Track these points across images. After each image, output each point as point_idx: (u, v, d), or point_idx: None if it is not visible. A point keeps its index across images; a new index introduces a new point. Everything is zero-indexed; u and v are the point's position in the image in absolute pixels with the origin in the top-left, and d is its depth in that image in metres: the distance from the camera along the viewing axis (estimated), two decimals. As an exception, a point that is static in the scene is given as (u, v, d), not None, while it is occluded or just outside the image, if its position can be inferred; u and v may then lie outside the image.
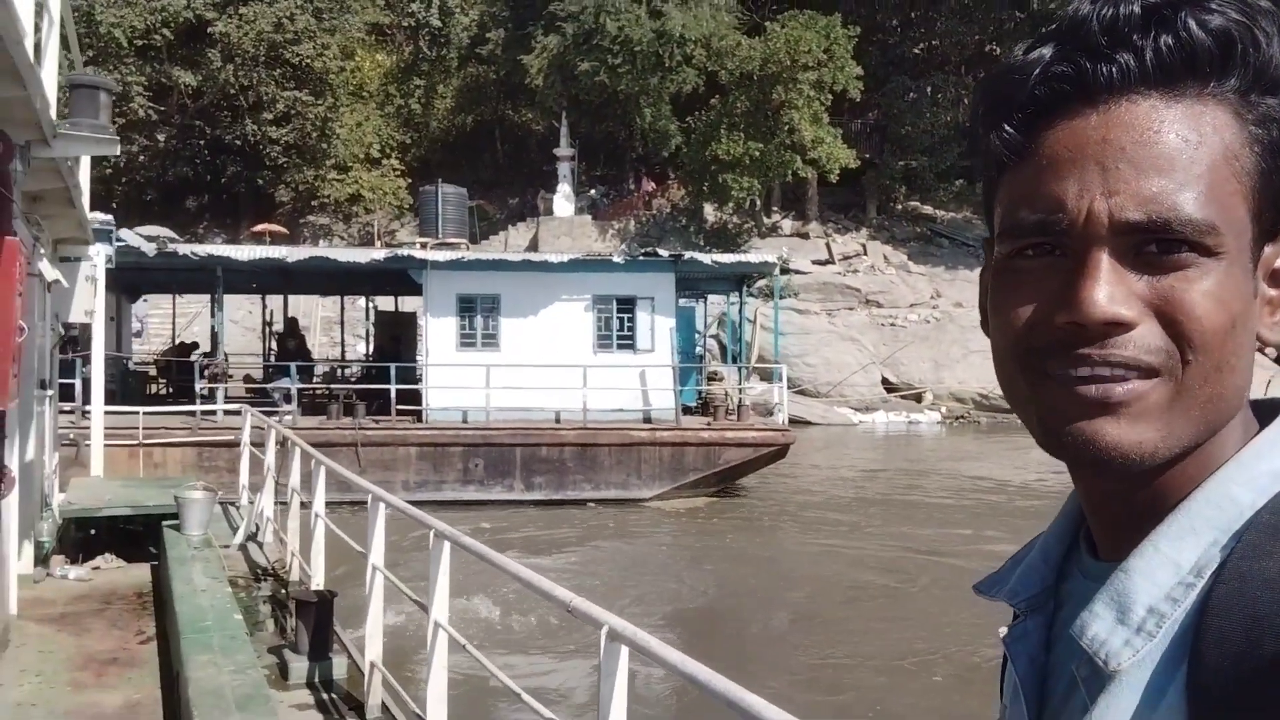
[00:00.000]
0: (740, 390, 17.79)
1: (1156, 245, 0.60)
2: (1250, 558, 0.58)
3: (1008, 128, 0.64)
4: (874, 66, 33.73)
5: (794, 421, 18.72)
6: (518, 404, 15.63)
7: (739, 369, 19.47)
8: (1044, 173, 0.62)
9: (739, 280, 19.69)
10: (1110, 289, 0.60)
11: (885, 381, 26.82)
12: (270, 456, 8.54)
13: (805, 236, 34.00)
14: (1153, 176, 0.59)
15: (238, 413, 11.22)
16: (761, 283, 22.12)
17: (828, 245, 33.22)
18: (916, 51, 38.05)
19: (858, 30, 32.25)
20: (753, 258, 19.74)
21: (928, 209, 35.17)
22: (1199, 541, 0.61)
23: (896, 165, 34.77)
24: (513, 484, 15.37)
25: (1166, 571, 0.61)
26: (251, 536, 8.25)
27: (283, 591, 6.64)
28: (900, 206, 35.72)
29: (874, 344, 27.61)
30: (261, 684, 4.70)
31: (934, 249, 33.06)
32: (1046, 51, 0.63)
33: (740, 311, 20.39)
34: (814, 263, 31.72)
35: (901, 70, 36.30)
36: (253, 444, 9.62)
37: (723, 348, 24.64)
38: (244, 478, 9.77)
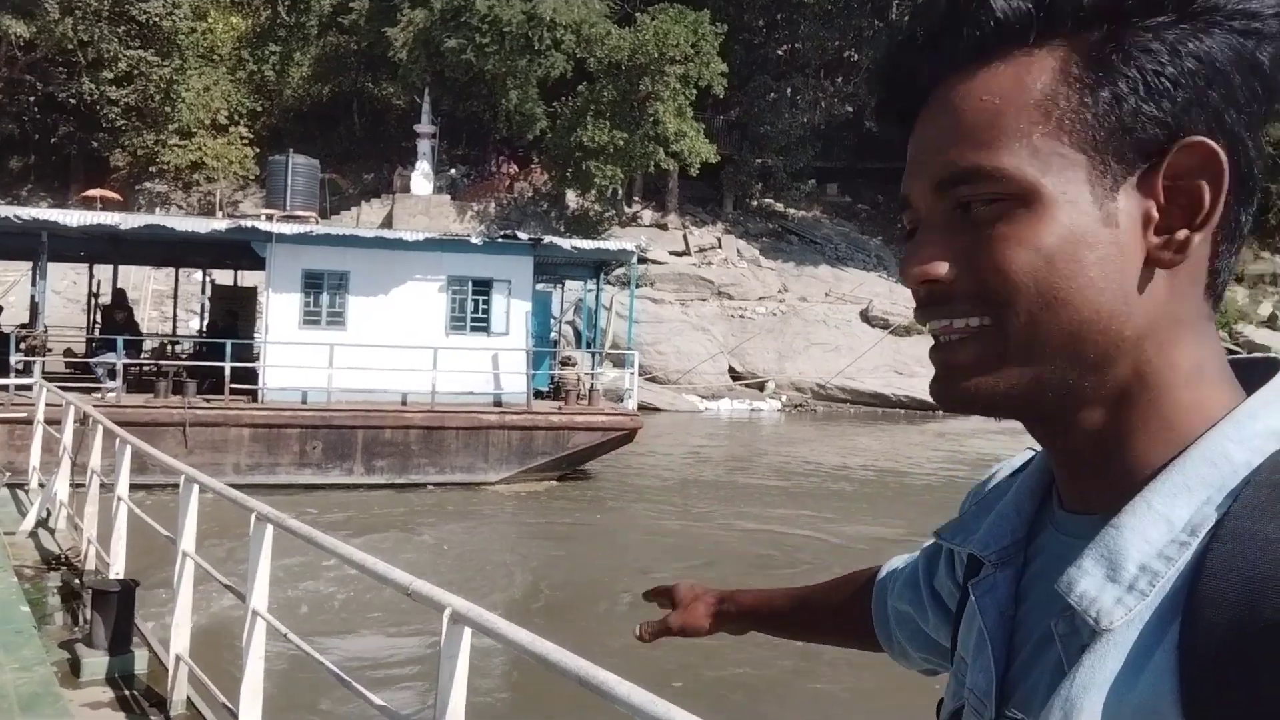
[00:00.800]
0: (593, 376, 17.84)
1: (972, 205, 0.63)
2: (1248, 518, 0.56)
3: (892, 128, 0.71)
4: (738, 65, 34.35)
5: (643, 407, 18.97)
6: (362, 385, 15.21)
7: (593, 355, 19.55)
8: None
9: (597, 267, 19.72)
10: (924, 251, 0.65)
11: (732, 370, 27.50)
12: (68, 435, 7.87)
13: (664, 228, 34.39)
14: (951, 144, 0.63)
15: (65, 388, 10.43)
16: (619, 271, 22.24)
17: (685, 237, 33.70)
18: (780, 53, 38.95)
19: (724, 28, 32.75)
20: (612, 245, 19.83)
21: (780, 207, 36.14)
22: (1193, 499, 0.59)
23: (754, 163, 35.54)
24: (352, 467, 14.96)
25: (1159, 529, 0.60)
26: (43, 522, 7.65)
27: (77, 581, 6.23)
28: (755, 203, 36.57)
29: (723, 334, 28.24)
30: (51, 682, 4.40)
31: (785, 245, 34.03)
32: (890, 58, 0.69)
33: (597, 298, 20.46)
34: (671, 253, 32.12)
35: (764, 70, 37.09)
36: (51, 422, 8.96)
37: (577, 333, 24.65)
38: (35, 458, 9.12)
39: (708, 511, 14.33)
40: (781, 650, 7.81)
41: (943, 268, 0.64)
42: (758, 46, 38.24)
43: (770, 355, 27.48)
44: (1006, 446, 21.76)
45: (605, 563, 11.40)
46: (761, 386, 26.79)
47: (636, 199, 36.28)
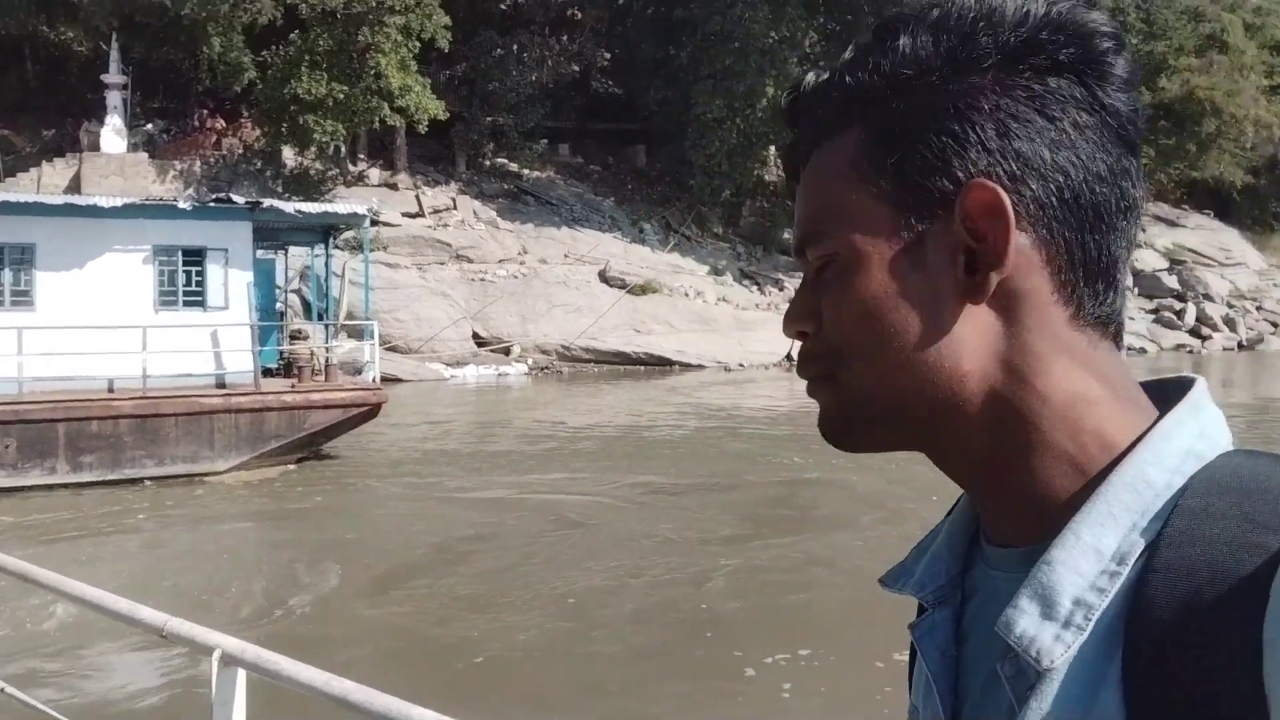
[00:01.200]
0: (328, 349, 16.90)
1: (819, 268, 0.69)
2: (1178, 546, 0.58)
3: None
4: (462, 18, 33.40)
5: (385, 379, 18.25)
6: (60, 372, 13.51)
7: (326, 327, 18.49)
8: None
9: (325, 232, 18.62)
10: (791, 308, 0.71)
11: (476, 336, 27.11)
12: None
13: (394, 188, 33.06)
14: (800, 216, 0.71)
15: None
16: (349, 234, 21.13)
17: (417, 198, 32.59)
18: (504, 7, 38.27)
19: (446, -22, 31.67)
20: (340, 208, 18.72)
21: (515, 167, 35.81)
22: (1118, 527, 0.60)
23: (485, 121, 34.86)
24: (55, 465, 13.30)
25: (1089, 560, 0.60)
26: None
27: None
28: (489, 163, 35.97)
29: (464, 299, 27.71)
30: None
31: (521, 206, 33.81)
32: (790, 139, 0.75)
33: (327, 265, 19.35)
34: (404, 215, 30.95)
35: (489, 25, 36.33)
36: None
37: (306, 304, 23.24)
38: None
39: (461, 483, 14.04)
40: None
41: (803, 321, 0.70)
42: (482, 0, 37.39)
43: (514, 319, 27.36)
44: (729, 397, 22.77)
45: (356, 552, 10.84)
46: (507, 351, 26.64)
47: (362, 157, 34.57)
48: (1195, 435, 0.63)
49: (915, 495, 11.22)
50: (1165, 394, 0.68)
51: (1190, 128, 32.45)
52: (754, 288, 28.67)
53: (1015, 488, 0.65)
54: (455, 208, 32.65)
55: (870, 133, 0.67)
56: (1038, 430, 0.64)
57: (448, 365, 25.28)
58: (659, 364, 25.30)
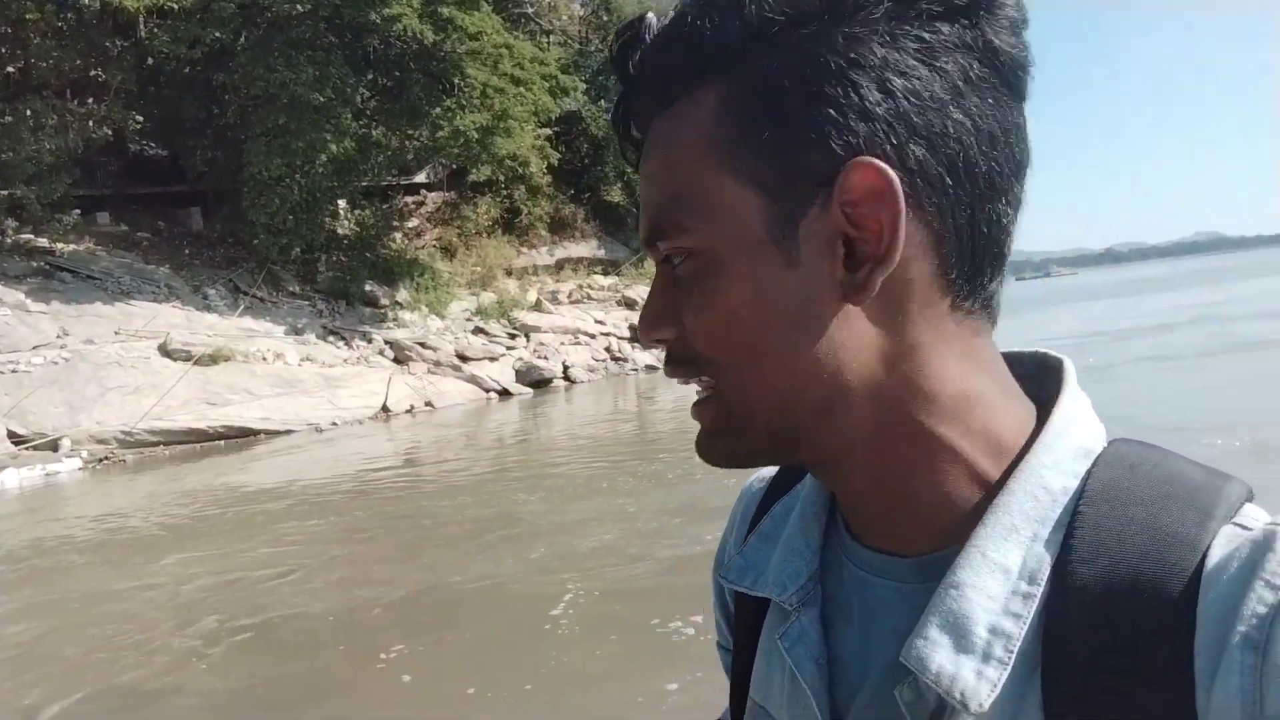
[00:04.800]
0: None
1: (672, 260, 0.60)
2: (1088, 563, 0.54)
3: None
4: (-46, 82, 29.01)
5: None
6: None
7: None
8: None
9: None
10: (646, 310, 0.62)
11: (13, 435, 23.52)
12: None
13: (-115, 280, 27.75)
14: (646, 200, 0.60)
15: None
16: None
17: (-81, 289, 27.63)
18: (11, 71, 33.86)
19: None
20: None
21: (43, 242, 31.75)
22: (1020, 539, 0.56)
23: (1, 194, 30.49)
24: None
25: (997, 581, 0.55)
26: None
27: None
28: (10, 240, 31.50)
29: (-7, 396, 23.99)
30: None
31: (57, 285, 30.02)
32: (615, 107, 0.65)
33: None
34: (-98, 311, 26.06)
35: (-9, 89, 31.94)
36: None
37: None
38: None
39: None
40: None
41: (661, 329, 0.62)
42: (-20, 62, 32.81)
43: (59, 409, 24.18)
44: (326, 457, 21.65)
45: None
46: (55, 446, 23.41)
47: None
48: (1082, 430, 0.60)
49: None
50: (1029, 374, 0.64)
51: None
52: (340, 343, 27.92)
53: (906, 496, 0.60)
54: (-27, 296, 28.05)
55: (731, 97, 0.57)
56: (928, 434, 0.59)
57: (-19, 474, 21.67)
58: (241, 435, 23.74)
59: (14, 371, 24.62)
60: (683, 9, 0.59)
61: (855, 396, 0.58)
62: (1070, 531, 0.55)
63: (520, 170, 29.39)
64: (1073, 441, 0.59)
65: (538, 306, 28.62)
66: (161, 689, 5.85)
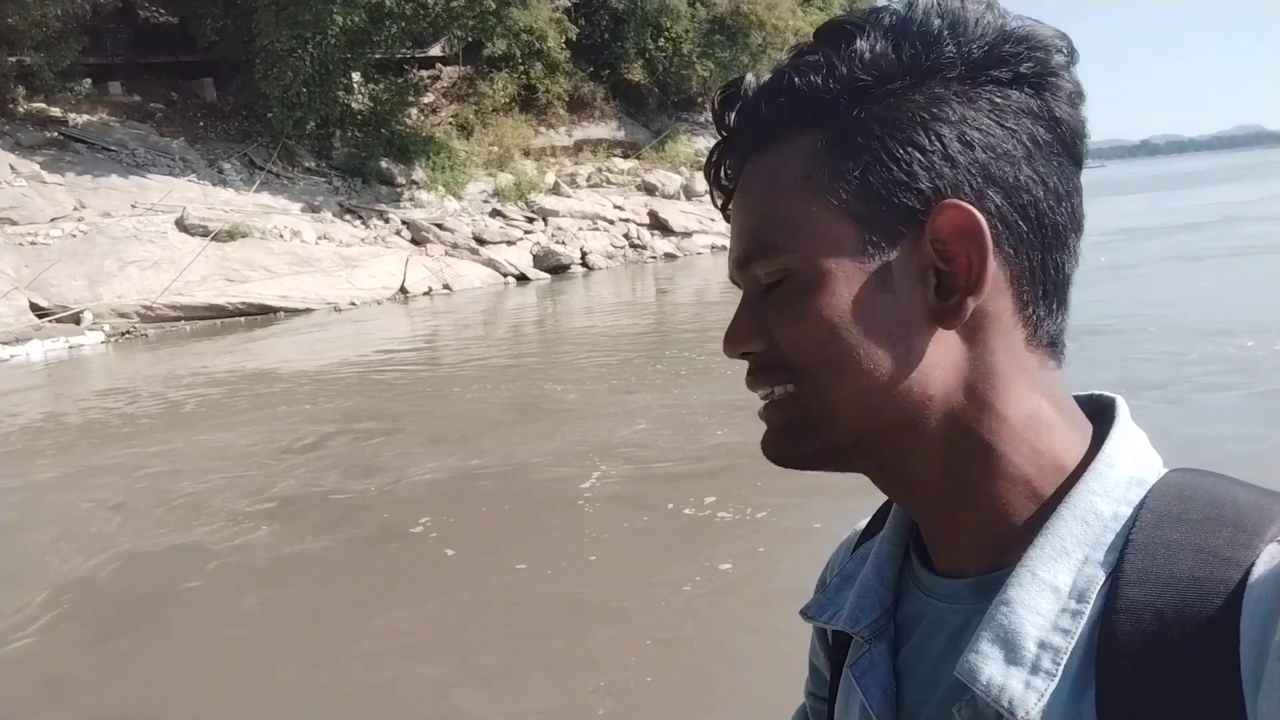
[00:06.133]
0: None
1: (769, 284, 0.65)
2: (1138, 584, 0.57)
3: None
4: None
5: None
6: None
7: None
8: None
9: None
10: (736, 328, 0.67)
11: (35, 307, 23.70)
12: None
13: (-102, 147, 27.49)
14: (742, 227, 0.67)
15: None
16: None
17: (-67, 156, 27.38)
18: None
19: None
20: None
21: (56, 112, 31.27)
22: (1071, 562, 0.60)
23: (9, 62, 29.86)
24: None
25: (1047, 599, 0.59)
26: None
27: None
28: (22, 109, 31.02)
29: (14, 267, 24.03)
30: None
31: (71, 156, 29.71)
32: (710, 154, 0.72)
33: None
34: (-83, 179, 25.87)
35: (-5, -53, 30.90)
36: None
37: None
38: None
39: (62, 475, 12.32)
40: None
41: (750, 342, 0.67)
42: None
43: (80, 283, 24.27)
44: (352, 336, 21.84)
45: None
46: (77, 319, 23.62)
47: None
48: (1133, 460, 0.63)
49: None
50: (1090, 411, 0.68)
51: (741, 40, 35.63)
52: (357, 222, 27.73)
53: (970, 514, 0.65)
54: (-14, 164, 27.79)
55: (826, 140, 0.63)
56: (996, 453, 0.63)
57: (4, 344, 21.93)
58: (260, 313, 23.87)
59: (33, 243, 24.55)
60: (780, 68, 0.66)
61: (934, 412, 0.63)
62: (1122, 556, 0.59)
63: (537, 45, 28.60)
64: (1123, 471, 0.62)
65: (556, 190, 28.22)
66: (225, 548, 6.13)
